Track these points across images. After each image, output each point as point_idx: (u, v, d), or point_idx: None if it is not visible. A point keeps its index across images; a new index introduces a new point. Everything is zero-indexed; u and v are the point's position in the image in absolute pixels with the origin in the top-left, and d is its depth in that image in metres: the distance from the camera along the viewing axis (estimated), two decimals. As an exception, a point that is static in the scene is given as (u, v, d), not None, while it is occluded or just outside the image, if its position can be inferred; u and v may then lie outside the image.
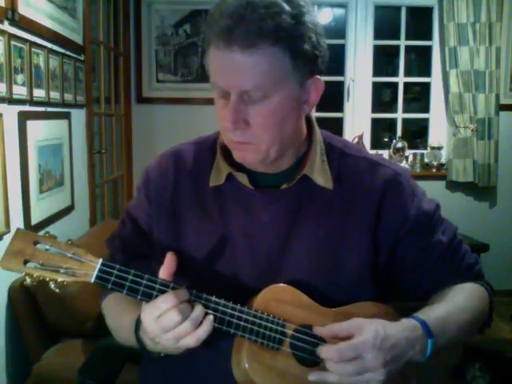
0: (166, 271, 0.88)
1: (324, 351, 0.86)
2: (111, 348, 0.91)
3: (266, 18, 0.82)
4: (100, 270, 0.86)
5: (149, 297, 0.87)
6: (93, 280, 0.86)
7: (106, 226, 2.49)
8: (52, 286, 0.85)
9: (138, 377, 1.10)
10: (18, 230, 0.87)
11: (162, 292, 0.87)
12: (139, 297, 0.87)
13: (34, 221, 2.00)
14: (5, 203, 1.77)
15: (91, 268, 0.86)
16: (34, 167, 2.02)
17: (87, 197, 2.74)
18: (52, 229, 2.17)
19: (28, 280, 0.84)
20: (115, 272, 0.87)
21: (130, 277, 0.87)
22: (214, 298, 0.89)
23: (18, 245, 0.85)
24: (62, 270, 0.85)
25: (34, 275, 0.84)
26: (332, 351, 0.84)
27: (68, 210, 2.42)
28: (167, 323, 0.83)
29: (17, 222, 1.86)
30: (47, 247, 0.86)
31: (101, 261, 0.87)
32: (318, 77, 0.93)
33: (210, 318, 0.87)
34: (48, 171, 2.17)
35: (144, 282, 0.87)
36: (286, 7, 0.84)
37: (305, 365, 0.90)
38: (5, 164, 1.76)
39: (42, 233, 0.87)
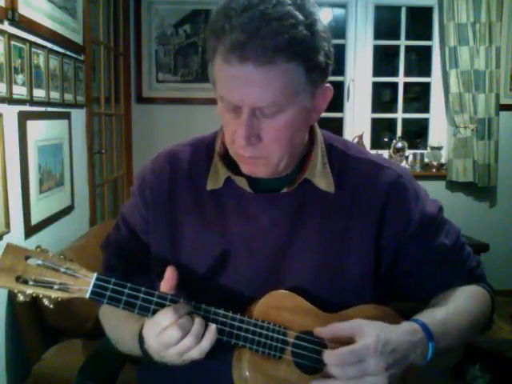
0: (166, 285, 0.86)
1: (326, 356, 0.84)
2: (111, 348, 0.90)
3: (281, 31, 0.78)
4: (95, 285, 0.84)
5: (146, 311, 0.85)
6: (88, 296, 0.84)
7: (106, 227, 2.48)
8: (46, 302, 0.82)
9: (137, 379, 1.10)
10: (8, 244, 0.83)
11: (160, 305, 0.85)
12: (136, 311, 0.85)
13: (34, 221, 2.00)
14: (5, 203, 1.76)
15: (86, 283, 0.84)
16: (34, 167, 2.02)
17: (87, 197, 2.74)
18: (52, 229, 2.17)
19: (21, 297, 0.81)
20: (111, 286, 0.84)
21: (127, 290, 0.85)
22: (213, 309, 0.87)
23: (9, 261, 0.82)
24: (55, 286, 0.82)
25: (27, 292, 0.81)
26: (334, 356, 0.83)
27: (68, 210, 2.42)
28: (168, 340, 0.82)
29: (17, 221, 1.86)
30: (39, 262, 0.83)
31: (95, 275, 0.84)
32: (328, 85, 0.91)
33: (213, 327, 0.85)
34: (48, 171, 2.16)
35: (141, 295, 0.85)
36: (300, 17, 0.80)
37: (307, 373, 0.89)
38: (5, 164, 1.76)
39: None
